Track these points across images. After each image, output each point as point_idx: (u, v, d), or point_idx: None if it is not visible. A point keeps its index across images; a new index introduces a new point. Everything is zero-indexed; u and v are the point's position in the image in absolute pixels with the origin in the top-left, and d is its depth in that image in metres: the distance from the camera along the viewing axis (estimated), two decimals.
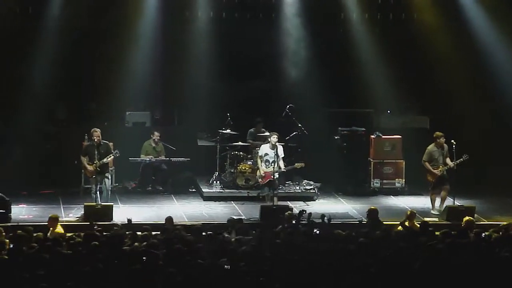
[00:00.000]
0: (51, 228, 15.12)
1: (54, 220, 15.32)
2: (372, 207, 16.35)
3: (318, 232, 14.35)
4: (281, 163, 18.60)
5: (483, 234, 14.19)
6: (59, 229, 15.11)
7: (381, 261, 11.88)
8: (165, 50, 21.29)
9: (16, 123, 20.55)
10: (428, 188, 19.16)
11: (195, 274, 11.05)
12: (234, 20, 21.68)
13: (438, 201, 18.91)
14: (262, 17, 21.85)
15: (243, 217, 17.11)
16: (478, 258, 12.33)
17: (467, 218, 15.57)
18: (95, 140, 18.03)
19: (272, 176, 18.31)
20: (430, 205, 19.06)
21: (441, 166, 18.72)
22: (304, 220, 15.28)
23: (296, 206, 18.63)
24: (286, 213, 16.22)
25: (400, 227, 15.60)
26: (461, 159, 18.48)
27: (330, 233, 13.97)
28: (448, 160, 18.68)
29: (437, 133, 18.96)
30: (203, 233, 13.89)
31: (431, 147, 18.88)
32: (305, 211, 15.76)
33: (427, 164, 18.80)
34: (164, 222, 15.53)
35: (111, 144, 18.57)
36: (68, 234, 13.55)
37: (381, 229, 14.47)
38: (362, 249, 12.57)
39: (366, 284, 11.27)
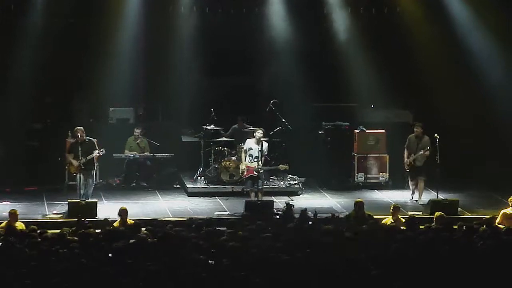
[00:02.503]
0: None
1: (14, 215, 15.26)
2: (358, 200, 16.39)
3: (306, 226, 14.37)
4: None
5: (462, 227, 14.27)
6: (20, 225, 15.05)
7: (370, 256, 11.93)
8: (148, 46, 21.22)
9: None
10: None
11: (177, 269, 11.07)
12: (218, 15, 21.64)
13: (417, 192, 19.41)
14: (246, 12, 21.82)
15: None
16: (461, 251, 12.40)
17: (437, 213, 15.69)
18: (78, 137, 18.03)
19: (254, 172, 18.35)
20: (413, 199, 19.41)
21: (413, 155, 19.14)
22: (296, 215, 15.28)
23: (281, 201, 18.62)
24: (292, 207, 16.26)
25: (386, 221, 15.67)
26: (423, 152, 18.94)
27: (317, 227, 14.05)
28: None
29: (416, 122, 19.62)
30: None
31: (411, 135, 19.53)
32: (293, 206, 15.75)
33: (405, 150, 19.40)
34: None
35: (95, 140, 18.56)
36: (56, 231, 13.48)
37: (368, 223, 14.54)
38: (349, 244, 12.63)
39: (355, 279, 11.30)
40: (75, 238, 12.74)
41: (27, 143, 20.65)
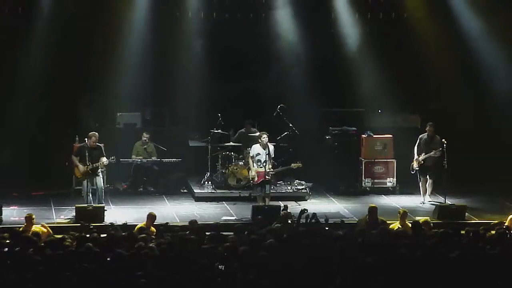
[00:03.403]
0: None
1: (29, 219, 15.32)
2: (372, 205, 16.34)
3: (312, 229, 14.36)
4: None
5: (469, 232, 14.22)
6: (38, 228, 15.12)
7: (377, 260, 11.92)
8: (155, 51, 21.23)
9: (5, 125, 20.47)
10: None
11: (188, 274, 11.05)
12: (225, 20, 21.65)
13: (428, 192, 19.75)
14: (253, 17, 21.82)
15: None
16: (468, 256, 12.37)
17: (423, 219, 15.68)
18: (92, 143, 18.04)
19: (266, 176, 18.33)
20: (421, 204, 19.51)
21: (423, 154, 19.32)
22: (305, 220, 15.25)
23: (289, 206, 18.55)
24: (282, 212, 16.22)
25: (393, 226, 15.63)
26: (434, 153, 19.09)
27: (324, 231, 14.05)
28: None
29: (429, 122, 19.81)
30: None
31: (422, 134, 19.73)
32: (307, 210, 15.71)
33: (415, 149, 19.57)
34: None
35: (102, 145, 18.59)
36: (59, 236, 13.49)
37: (377, 228, 14.52)
38: (359, 249, 12.62)
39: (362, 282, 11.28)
40: (71, 241, 12.75)
41: (34, 144, 20.62)
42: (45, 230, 15.00)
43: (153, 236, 14.13)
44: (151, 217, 15.55)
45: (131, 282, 10.95)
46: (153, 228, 15.21)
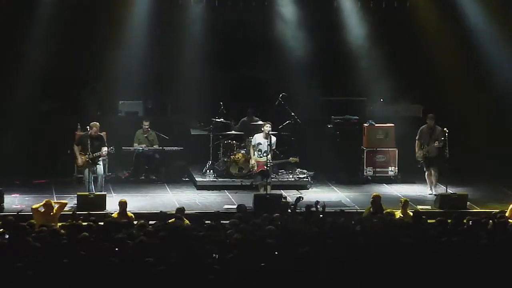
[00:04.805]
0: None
1: (49, 206, 15.47)
2: (375, 194, 16.32)
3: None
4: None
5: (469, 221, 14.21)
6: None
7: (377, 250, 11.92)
8: (158, 39, 21.23)
9: (7, 112, 20.49)
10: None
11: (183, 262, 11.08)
12: (227, 7, 21.61)
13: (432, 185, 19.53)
14: (256, 5, 21.78)
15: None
16: (470, 245, 12.37)
17: (388, 210, 15.61)
18: (93, 133, 18.03)
19: (265, 166, 18.33)
20: (423, 193, 19.45)
21: (425, 146, 19.21)
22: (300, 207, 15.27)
23: (290, 195, 18.60)
24: (282, 200, 16.25)
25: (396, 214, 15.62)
26: (437, 143, 18.93)
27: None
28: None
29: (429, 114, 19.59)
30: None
31: (423, 126, 19.55)
32: (302, 197, 15.72)
33: (416, 141, 19.43)
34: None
35: (103, 134, 18.60)
36: (59, 224, 13.55)
37: (377, 217, 14.51)
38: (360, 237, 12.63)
39: (363, 272, 11.28)
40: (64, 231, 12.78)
41: (35, 135, 20.63)
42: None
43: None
44: (122, 203, 15.53)
45: (129, 268, 10.98)
46: (130, 214, 15.27)
